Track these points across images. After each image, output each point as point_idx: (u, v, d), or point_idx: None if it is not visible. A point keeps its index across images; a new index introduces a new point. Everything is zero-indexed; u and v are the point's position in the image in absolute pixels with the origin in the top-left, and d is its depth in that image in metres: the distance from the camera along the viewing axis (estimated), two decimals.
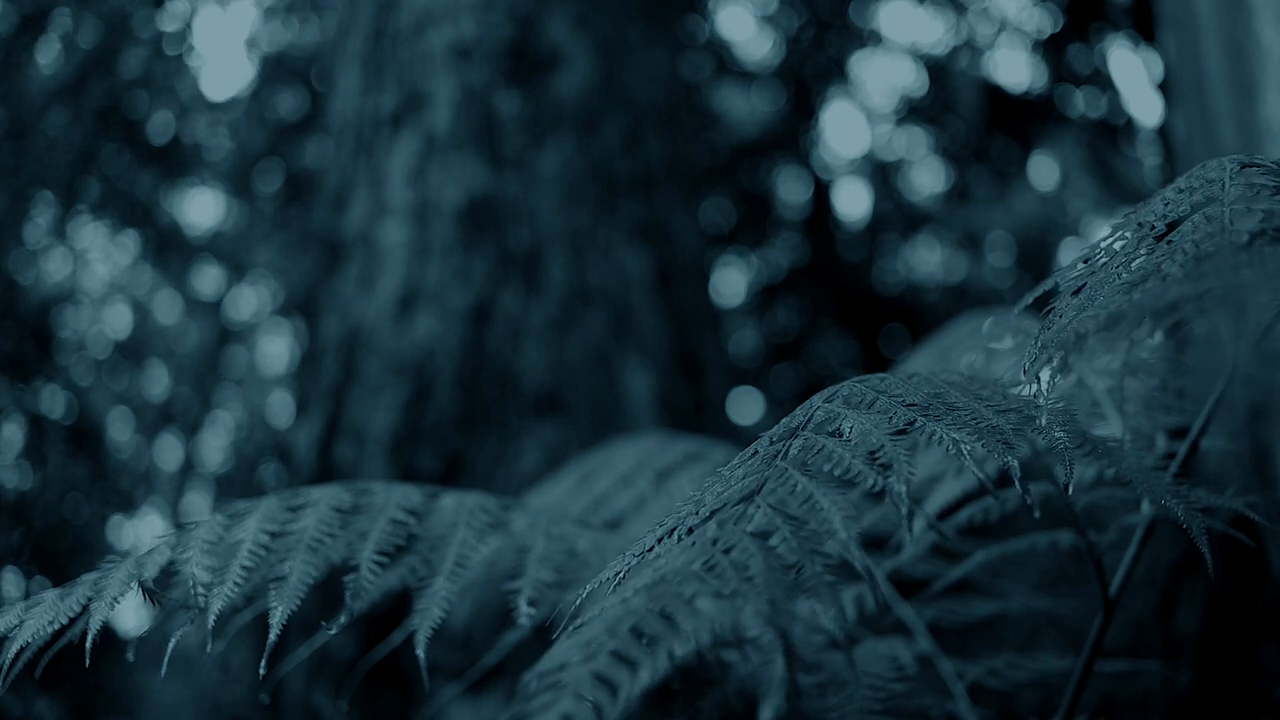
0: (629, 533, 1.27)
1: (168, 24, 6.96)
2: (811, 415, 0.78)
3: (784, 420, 0.81)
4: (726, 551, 0.64)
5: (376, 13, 3.28)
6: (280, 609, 0.93)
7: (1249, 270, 0.66)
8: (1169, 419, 1.03)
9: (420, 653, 0.93)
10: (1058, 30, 7.10)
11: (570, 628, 0.67)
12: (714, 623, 0.58)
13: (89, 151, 6.43)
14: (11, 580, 5.50)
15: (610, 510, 1.38)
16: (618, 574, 0.71)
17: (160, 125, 7.15)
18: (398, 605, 1.56)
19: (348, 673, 2.51)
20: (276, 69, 7.64)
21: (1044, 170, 8.42)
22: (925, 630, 1.12)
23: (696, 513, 0.72)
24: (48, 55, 6.32)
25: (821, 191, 8.28)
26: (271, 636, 0.92)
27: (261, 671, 0.96)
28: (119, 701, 5.50)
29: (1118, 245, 0.78)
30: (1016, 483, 0.69)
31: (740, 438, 3.63)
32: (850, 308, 7.86)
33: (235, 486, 8.10)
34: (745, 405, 8.10)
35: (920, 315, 8.05)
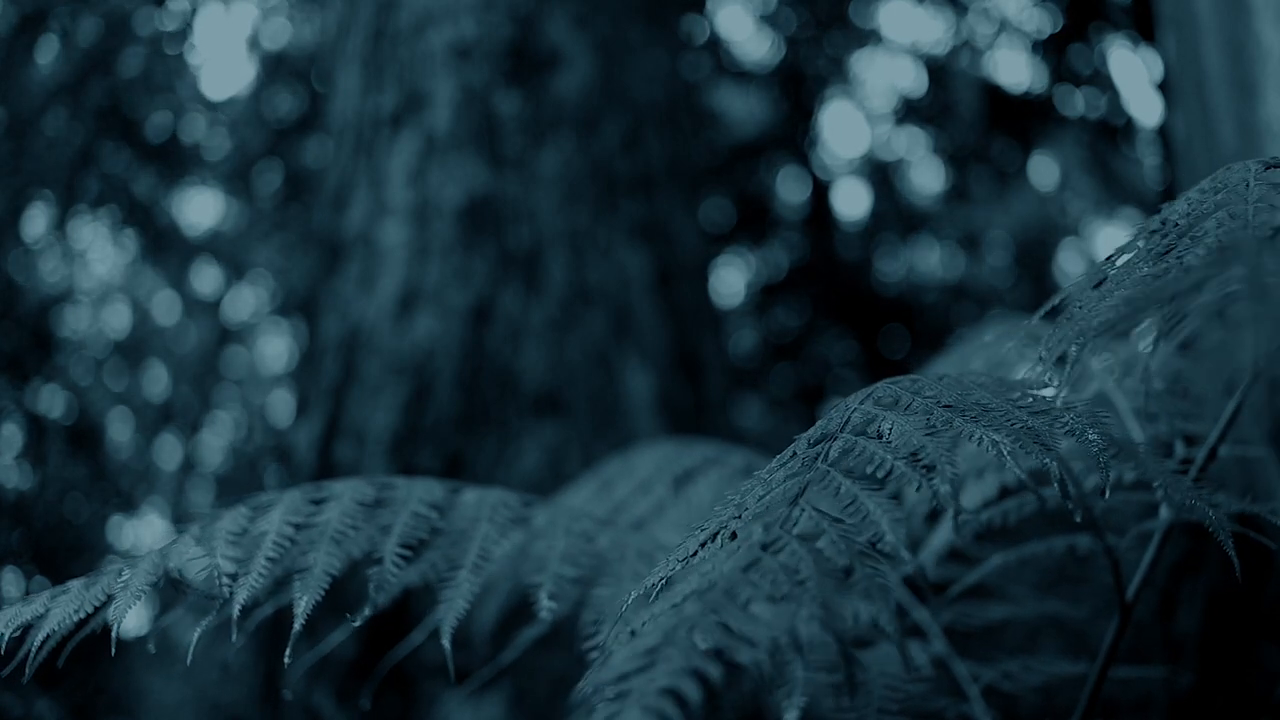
0: (649, 535, 1.26)
1: (168, 23, 6.95)
2: (849, 417, 0.78)
3: (819, 423, 0.80)
4: (775, 555, 0.64)
5: (376, 13, 3.27)
6: (305, 600, 0.92)
7: (1272, 258, 0.66)
8: (1187, 425, 1.03)
9: (446, 644, 0.93)
10: (1058, 30, 7.10)
11: (616, 634, 0.66)
12: (772, 628, 0.58)
13: (88, 151, 6.42)
14: (11, 580, 5.49)
15: (630, 516, 1.38)
16: (661, 579, 0.70)
17: (159, 125, 7.13)
18: (400, 606, 1.56)
19: (348, 673, 2.51)
20: (276, 69, 7.63)
21: (1044, 170, 8.42)
22: (941, 633, 1.12)
23: (739, 516, 0.72)
24: (47, 54, 6.30)
25: (821, 191, 8.27)
26: (296, 626, 0.91)
27: (286, 662, 0.95)
28: (119, 701, 5.49)
29: (1141, 243, 0.79)
30: (1055, 484, 0.69)
31: (741, 438, 3.63)
32: (850, 307, 7.86)
33: (235, 486, 8.09)
34: (744, 405, 8.09)
35: (920, 315, 8.05)
